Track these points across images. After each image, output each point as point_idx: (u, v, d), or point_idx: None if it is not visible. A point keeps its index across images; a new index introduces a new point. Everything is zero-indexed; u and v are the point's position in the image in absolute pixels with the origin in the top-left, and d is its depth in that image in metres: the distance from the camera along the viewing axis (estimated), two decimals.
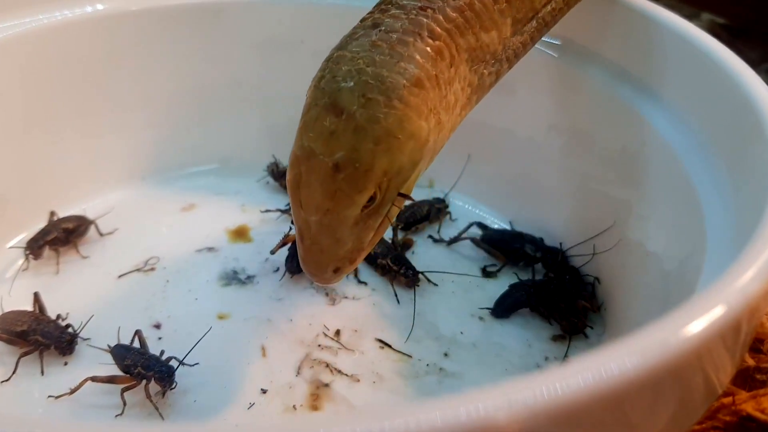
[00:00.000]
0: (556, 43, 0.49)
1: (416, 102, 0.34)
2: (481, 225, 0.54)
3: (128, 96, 0.55)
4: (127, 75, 0.55)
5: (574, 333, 0.46)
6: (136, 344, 0.43)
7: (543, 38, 0.49)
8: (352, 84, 0.33)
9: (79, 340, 0.44)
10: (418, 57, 0.34)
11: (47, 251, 0.50)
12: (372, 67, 0.33)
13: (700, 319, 0.25)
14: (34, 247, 0.50)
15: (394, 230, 0.53)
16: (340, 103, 0.33)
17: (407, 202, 0.53)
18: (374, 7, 0.37)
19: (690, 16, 0.44)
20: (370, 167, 0.33)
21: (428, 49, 0.35)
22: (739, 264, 0.27)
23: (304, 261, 0.36)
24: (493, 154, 0.55)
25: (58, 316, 0.46)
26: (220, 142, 0.59)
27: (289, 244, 0.50)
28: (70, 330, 0.44)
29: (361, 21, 0.37)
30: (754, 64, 0.39)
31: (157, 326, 0.46)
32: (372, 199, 0.34)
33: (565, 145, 0.51)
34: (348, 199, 0.33)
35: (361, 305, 0.48)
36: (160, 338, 0.45)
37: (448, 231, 0.54)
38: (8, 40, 0.49)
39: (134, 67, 0.55)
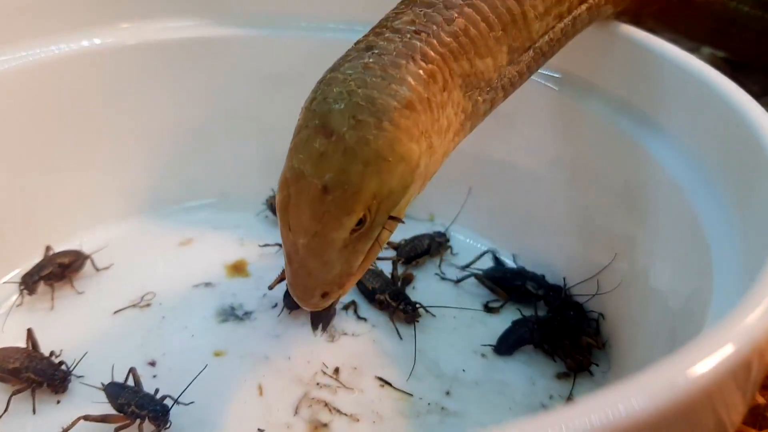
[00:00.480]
0: (557, 76, 0.49)
1: (407, 124, 0.33)
2: (493, 254, 0.53)
3: (126, 130, 0.55)
4: (125, 109, 0.55)
5: (579, 371, 0.45)
6: (131, 382, 0.43)
7: (544, 71, 0.49)
8: (342, 105, 0.33)
9: (72, 377, 0.44)
10: (410, 79, 0.34)
11: (42, 286, 0.50)
12: (363, 89, 0.33)
13: (709, 358, 0.24)
14: (29, 282, 0.49)
15: (394, 265, 0.52)
16: (331, 125, 0.33)
17: (407, 237, 0.54)
18: (369, 30, 0.37)
19: (690, 50, 0.44)
20: (359, 189, 0.33)
21: (421, 71, 0.34)
22: (748, 300, 0.27)
23: (292, 285, 0.35)
24: (494, 187, 0.55)
25: (52, 353, 0.45)
26: (218, 176, 0.58)
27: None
28: (63, 367, 0.44)
29: (356, 44, 0.37)
30: (756, 97, 0.38)
31: (152, 363, 0.45)
32: (362, 222, 0.33)
33: (568, 179, 0.51)
34: (336, 222, 0.33)
35: (361, 342, 0.47)
36: (155, 376, 0.44)
37: (450, 265, 0.54)
38: (4, 74, 0.49)
39: (132, 101, 0.55)
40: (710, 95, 0.39)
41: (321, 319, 0.47)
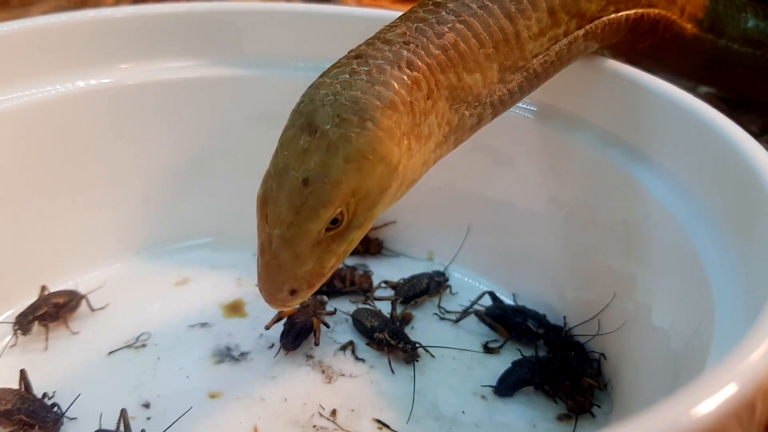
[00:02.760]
0: (556, 114, 0.49)
1: (389, 124, 0.35)
2: (492, 295, 0.53)
3: (123, 169, 0.55)
4: (122, 148, 0.54)
5: (581, 412, 0.44)
6: (122, 424, 0.42)
7: (543, 110, 0.49)
8: (328, 105, 0.35)
9: (65, 419, 0.43)
10: (393, 83, 0.35)
11: (36, 326, 0.49)
12: (348, 90, 0.35)
13: (712, 398, 0.24)
14: (23, 322, 0.48)
15: (393, 304, 0.52)
16: (316, 122, 0.34)
17: (406, 276, 0.54)
18: (364, 41, 0.39)
19: (687, 90, 0.44)
20: (338, 183, 0.34)
21: (405, 77, 0.36)
22: (751, 339, 0.26)
23: (261, 278, 0.36)
24: (493, 226, 0.54)
25: (45, 395, 0.44)
26: (215, 216, 0.58)
27: (284, 319, 0.48)
28: (56, 409, 0.43)
29: (348, 52, 0.38)
30: (755, 136, 0.38)
31: (147, 405, 0.44)
32: (338, 221, 0.35)
33: (567, 217, 0.50)
34: (313, 212, 0.34)
35: (359, 383, 0.47)
36: (149, 418, 0.43)
37: (449, 305, 0.53)
38: (3, 114, 0.49)
39: (129, 141, 0.55)
40: (708, 133, 0.39)
41: (294, 335, 0.48)
